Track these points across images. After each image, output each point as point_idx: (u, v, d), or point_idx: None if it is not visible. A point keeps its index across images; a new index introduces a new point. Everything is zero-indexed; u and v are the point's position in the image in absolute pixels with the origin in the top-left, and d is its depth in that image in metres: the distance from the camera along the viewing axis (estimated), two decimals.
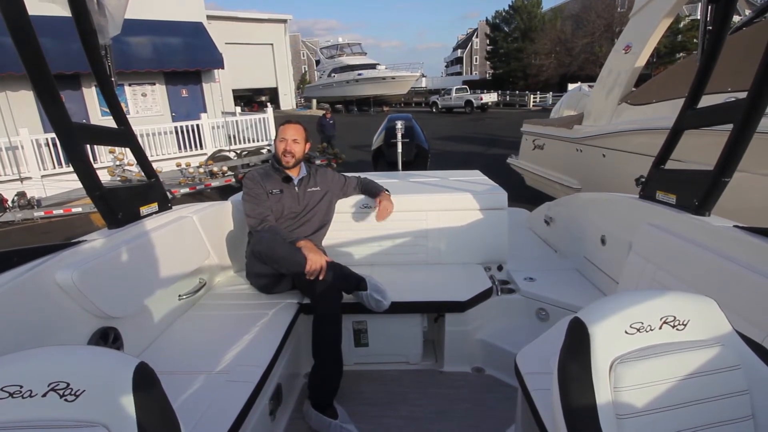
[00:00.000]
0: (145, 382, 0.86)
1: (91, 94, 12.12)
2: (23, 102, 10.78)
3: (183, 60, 13.27)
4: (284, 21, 25.84)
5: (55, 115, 1.56)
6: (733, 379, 0.95)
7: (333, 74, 37.84)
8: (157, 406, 0.87)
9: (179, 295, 2.12)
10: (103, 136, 2.07)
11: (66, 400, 0.82)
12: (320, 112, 33.06)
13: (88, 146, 1.75)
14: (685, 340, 0.97)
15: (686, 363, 0.94)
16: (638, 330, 0.95)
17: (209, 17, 15.22)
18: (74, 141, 1.65)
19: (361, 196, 2.70)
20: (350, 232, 2.70)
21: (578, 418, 0.89)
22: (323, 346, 1.96)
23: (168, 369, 1.64)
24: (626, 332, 0.95)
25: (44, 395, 0.82)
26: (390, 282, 2.22)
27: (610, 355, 0.94)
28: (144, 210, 2.06)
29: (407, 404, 2.09)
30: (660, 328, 0.97)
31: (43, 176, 9.57)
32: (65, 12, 1.75)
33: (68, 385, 0.82)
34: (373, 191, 2.65)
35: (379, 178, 3.33)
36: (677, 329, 0.97)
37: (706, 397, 0.93)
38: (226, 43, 18.81)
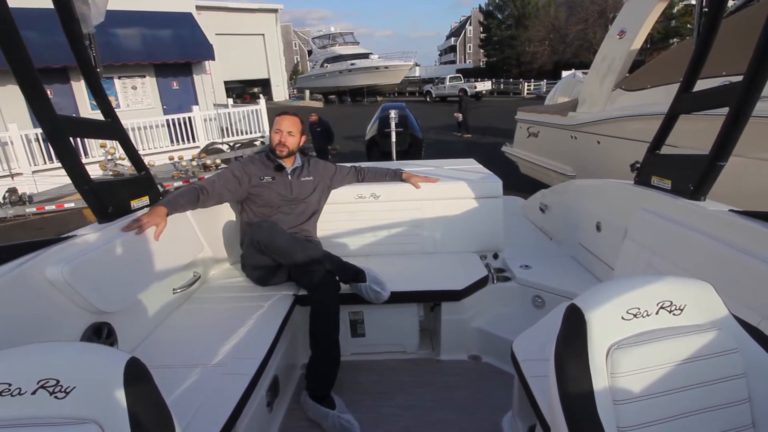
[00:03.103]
0: (136, 377, 0.84)
1: (80, 88, 11.97)
2: (12, 97, 10.61)
3: (173, 51, 13.12)
4: (275, 11, 25.47)
5: (39, 108, 1.52)
6: (730, 363, 0.95)
7: (326, 64, 37.51)
8: (149, 401, 0.86)
9: (173, 289, 2.10)
10: (89, 129, 2.03)
11: (56, 397, 0.81)
12: (313, 104, 32.90)
13: (79, 141, 1.72)
14: (681, 325, 0.97)
15: (683, 348, 0.94)
16: (635, 316, 0.95)
17: (198, 7, 15.01)
18: (60, 134, 1.62)
19: (356, 187, 2.67)
20: (345, 223, 2.68)
21: (575, 404, 0.89)
22: (320, 336, 1.96)
23: (163, 363, 1.63)
24: (623, 318, 0.95)
25: (33, 393, 0.80)
26: (386, 272, 2.21)
27: (606, 341, 0.93)
28: (135, 204, 2.03)
29: (405, 393, 2.09)
30: (657, 313, 0.96)
31: (33, 172, 9.47)
32: (49, 3, 1.71)
33: (58, 382, 0.81)
34: (386, 175, 2.71)
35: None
36: (674, 314, 0.97)
37: (703, 382, 0.93)
38: (216, 34, 18.58)
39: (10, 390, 0.80)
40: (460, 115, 14.91)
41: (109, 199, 1.86)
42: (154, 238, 1.94)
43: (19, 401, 0.80)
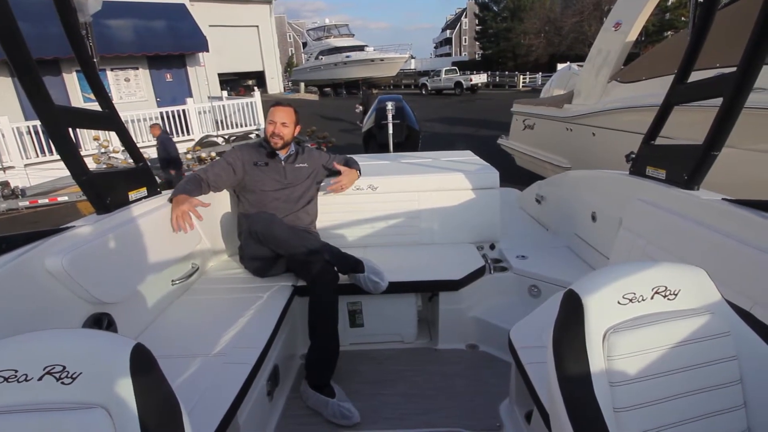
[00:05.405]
0: (142, 363, 0.85)
1: (72, 80, 11.85)
2: (2, 89, 10.50)
3: (166, 43, 13.00)
4: (269, 2, 25.15)
5: (37, 99, 1.51)
6: (723, 346, 0.97)
7: (320, 57, 37.24)
8: (155, 386, 0.87)
9: (172, 280, 2.11)
10: (87, 120, 2.02)
11: (62, 383, 0.81)
12: (309, 96, 32.70)
13: (71, 133, 1.71)
14: (676, 309, 0.99)
15: (677, 331, 0.96)
16: (631, 300, 0.97)
17: None
18: (59, 125, 1.61)
19: None
20: (343, 214, 2.70)
21: (573, 387, 0.91)
22: (319, 327, 1.97)
23: (164, 353, 1.63)
24: (619, 303, 0.97)
25: (40, 379, 0.81)
26: (384, 262, 2.22)
27: (603, 325, 0.95)
28: (133, 195, 2.03)
29: (403, 382, 2.12)
30: (652, 298, 0.98)
31: (26, 165, 9.38)
32: None
33: (64, 368, 0.81)
34: (347, 165, 2.66)
35: (370, 160, 3.31)
36: (668, 299, 0.99)
37: (696, 364, 0.95)
38: (209, 26, 18.34)
39: (16, 376, 0.80)
40: (361, 107, 15.25)
41: (106, 191, 1.85)
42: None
43: (26, 387, 0.81)
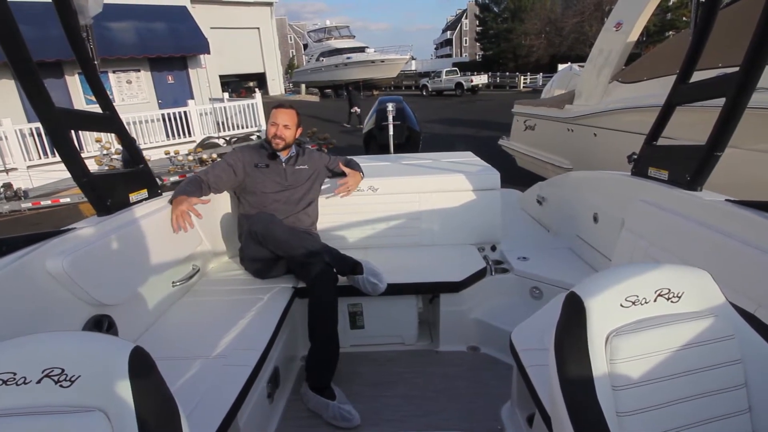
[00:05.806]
0: (141, 366, 0.85)
1: (74, 82, 11.88)
2: (5, 91, 10.53)
3: (168, 45, 13.02)
4: (270, 4, 25.22)
5: (38, 101, 1.52)
6: (727, 349, 0.96)
7: (321, 58, 37.27)
8: (154, 389, 0.86)
9: (173, 282, 2.11)
10: (88, 122, 2.02)
11: (61, 386, 0.81)
12: (309, 98, 32.74)
13: (73, 135, 1.71)
14: (679, 312, 0.98)
15: (681, 334, 0.95)
16: (633, 303, 0.96)
17: (193, 0, 14.85)
18: (59, 127, 1.61)
19: None
20: (343, 216, 2.69)
21: (575, 390, 0.90)
22: (319, 328, 1.97)
23: (164, 355, 1.63)
24: (621, 305, 0.96)
25: (39, 382, 0.81)
26: (384, 264, 2.22)
27: (605, 328, 0.94)
28: (134, 197, 2.03)
29: (404, 384, 2.11)
30: (655, 300, 0.97)
31: (29, 167, 9.39)
32: None
33: (63, 371, 0.81)
34: (350, 167, 2.64)
35: (370, 161, 3.31)
36: (672, 301, 0.98)
37: (701, 367, 0.94)
38: (211, 28, 18.41)
39: (15, 379, 0.80)
40: (357, 108, 15.78)
41: (107, 192, 1.85)
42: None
43: (25, 390, 0.80)
